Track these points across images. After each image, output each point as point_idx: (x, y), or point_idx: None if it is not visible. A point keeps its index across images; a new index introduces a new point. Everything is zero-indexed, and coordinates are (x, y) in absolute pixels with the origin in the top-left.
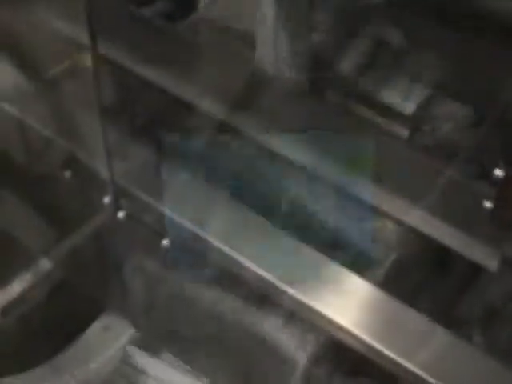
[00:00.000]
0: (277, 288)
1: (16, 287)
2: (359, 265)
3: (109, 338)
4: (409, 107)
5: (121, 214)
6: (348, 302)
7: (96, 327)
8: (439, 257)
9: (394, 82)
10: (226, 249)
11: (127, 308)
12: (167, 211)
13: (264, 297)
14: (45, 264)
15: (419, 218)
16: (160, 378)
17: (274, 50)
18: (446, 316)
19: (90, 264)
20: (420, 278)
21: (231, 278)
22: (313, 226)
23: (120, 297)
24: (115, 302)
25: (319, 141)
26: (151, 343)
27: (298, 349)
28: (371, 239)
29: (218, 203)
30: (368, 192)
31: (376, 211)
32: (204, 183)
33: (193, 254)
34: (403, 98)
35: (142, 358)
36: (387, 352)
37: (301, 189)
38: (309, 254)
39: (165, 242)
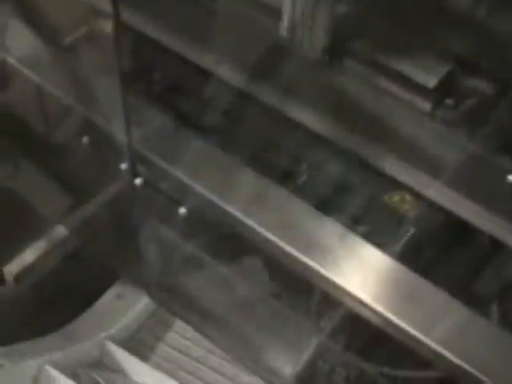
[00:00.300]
0: (294, 258)
1: (29, 255)
2: (378, 238)
3: (122, 307)
4: (431, 81)
5: (138, 181)
6: (366, 275)
7: (110, 295)
8: (459, 232)
9: (416, 54)
10: (243, 217)
11: (142, 276)
12: (185, 178)
13: (280, 265)
14: (59, 232)
15: (440, 192)
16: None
17: (294, 18)
18: (464, 291)
19: (105, 232)
20: (439, 253)
21: (247, 247)
22: (330, 197)
23: (135, 265)
24: (130, 270)
25: (338, 111)
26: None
27: (313, 320)
28: (390, 212)
29: (235, 171)
30: (388, 164)
31: (396, 184)
32: (222, 151)
33: (209, 222)
34: (426, 72)
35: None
36: (404, 326)
37: (318, 159)
38: (327, 224)
39: (182, 209)
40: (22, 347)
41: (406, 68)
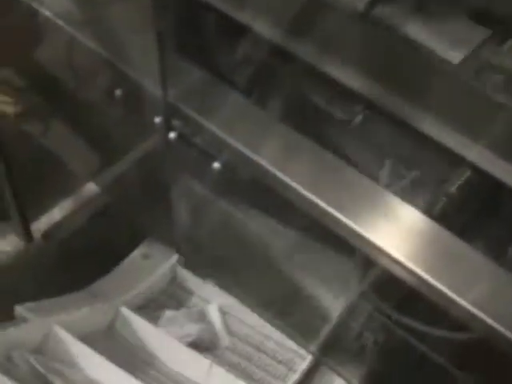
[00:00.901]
0: (328, 214)
1: (58, 212)
2: (416, 198)
3: (149, 266)
4: (456, 56)
5: (172, 135)
6: (401, 234)
7: (137, 255)
8: (497, 194)
9: (442, 27)
10: (277, 172)
11: (172, 234)
12: (220, 132)
13: (314, 222)
14: (87, 190)
15: (478, 154)
16: (206, 299)
17: None
18: (501, 254)
19: (136, 189)
20: (476, 215)
21: (281, 204)
22: (366, 155)
23: (165, 223)
24: (160, 228)
25: (374, 67)
26: (194, 270)
27: (345, 279)
28: (427, 172)
29: (270, 126)
30: (425, 123)
31: (432, 143)
32: (257, 106)
33: (243, 177)
34: (450, 46)
35: (189, 279)
36: (439, 286)
37: (354, 116)
38: (362, 182)
39: (215, 164)
40: (47, 304)
41: (431, 42)
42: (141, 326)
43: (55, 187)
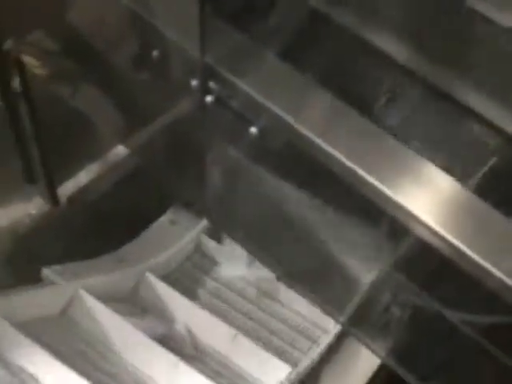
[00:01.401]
0: (364, 180)
1: (84, 176)
2: (455, 168)
3: (175, 232)
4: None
5: (209, 99)
6: (437, 202)
7: (163, 221)
8: None
9: None
10: (316, 139)
11: (202, 199)
12: (258, 96)
13: (350, 190)
14: (114, 154)
15: None
16: (230, 268)
17: None
18: None
19: (168, 153)
20: None
21: (318, 171)
22: (405, 125)
23: (196, 187)
24: (190, 192)
25: (419, 37)
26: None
27: (375, 248)
28: (468, 144)
29: (310, 92)
30: (468, 95)
31: (474, 115)
32: (297, 72)
33: (280, 144)
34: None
35: (213, 247)
36: (473, 255)
37: (396, 87)
38: (401, 151)
39: (253, 129)
40: (73, 266)
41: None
42: (165, 291)
43: (82, 151)
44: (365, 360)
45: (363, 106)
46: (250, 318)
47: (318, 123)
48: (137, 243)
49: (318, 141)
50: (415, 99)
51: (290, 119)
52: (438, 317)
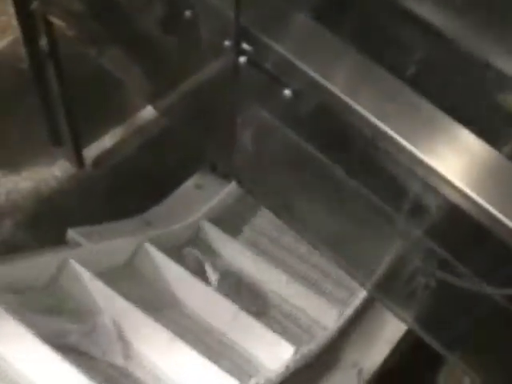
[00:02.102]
0: (396, 143)
1: (109, 140)
2: (489, 137)
3: (201, 196)
4: None
5: (242, 59)
6: (470, 165)
7: (189, 185)
8: None
9: None
10: (350, 101)
11: (231, 161)
12: (293, 58)
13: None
14: (139, 118)
15: None
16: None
17: None
18: None
19: (198, 114)
20: None
21: (348, 134)
22: (439, 93)
23: (225, 149)
24: (219, 154)
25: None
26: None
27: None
28: (504, 111)
29: (344, 56)
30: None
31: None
32: (332, 35)
33: (313, 106)
34: None
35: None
36: (506, 220)
37: (430, 53)
38: (435, 115)
39: (286, 91)
40: (98, 229)
41: None
42: (165, 263)
43: (107, 114)
44: (391, 326)
45: (397, 71)
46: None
47: (353, 86)
48: (163, 207)
49: (352, 103)
50: (450, 67)
51: (325, 82)
52: (466, 285)
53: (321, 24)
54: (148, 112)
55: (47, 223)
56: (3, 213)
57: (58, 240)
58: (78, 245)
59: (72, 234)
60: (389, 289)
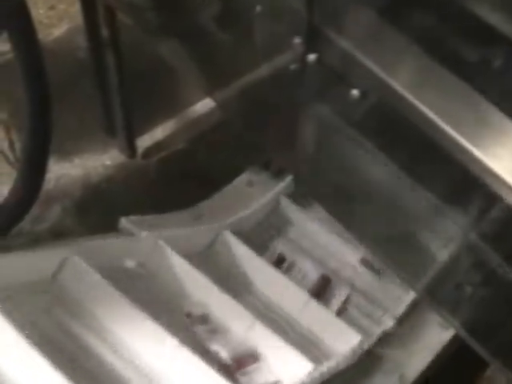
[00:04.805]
0: (456, 142)
1: (161, 132)
2: None
3: (252, 193)
4: None
5: (311, 57)
6: None
7: (240, 181)
8: None
9: None
10: (420, 105)
11: (290, 160)
12: (364, 58)
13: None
14: (192, 112)
15: None
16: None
17: None
18: None
19: (258, 109)
20: None
21: (417, 140)
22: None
23: (284, 146)
24: (276, 151)
25: None
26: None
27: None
28: None
29: (412, 57)
30: None
31: None
32: (403, 36)
33: (381, 108)
34: None
35: (291, 210)
36: None
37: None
38: (499, 117)
39: (354, 91)
40: (152, 219)
41: None
42: (241, 251)
43: (161, 107)
44: (434, 334)
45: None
46: None
47: (423, 90)
48: (214, 201)
49: (422, 107)
50: None
51: (396, 85)
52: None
53: (390, 23)
54: (201, 106)
55: (94, 210)
56: (51, 198)
57: (104, 227)
58: (129, 233)
59: (124, 222)
60: (440, 290)
